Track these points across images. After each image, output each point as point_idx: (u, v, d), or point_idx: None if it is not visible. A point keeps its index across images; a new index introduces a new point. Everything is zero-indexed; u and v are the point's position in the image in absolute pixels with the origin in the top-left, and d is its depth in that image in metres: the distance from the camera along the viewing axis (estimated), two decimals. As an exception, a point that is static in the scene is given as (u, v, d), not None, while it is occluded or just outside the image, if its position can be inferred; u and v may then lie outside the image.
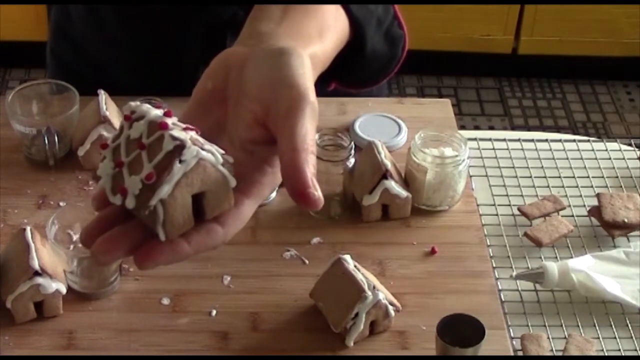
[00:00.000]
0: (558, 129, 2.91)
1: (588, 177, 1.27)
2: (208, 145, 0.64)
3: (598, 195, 1.20)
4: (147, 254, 0.64)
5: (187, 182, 0.62)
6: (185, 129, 0.65)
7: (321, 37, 0.80)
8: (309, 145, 0.65)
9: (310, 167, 0.64)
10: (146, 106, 0.66)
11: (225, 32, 1.20)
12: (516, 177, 1.26)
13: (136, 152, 0.64)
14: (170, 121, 0.64)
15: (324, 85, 0.91)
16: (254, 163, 0.69)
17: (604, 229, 1.18)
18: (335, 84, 0.96)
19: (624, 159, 1.31)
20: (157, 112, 0.65)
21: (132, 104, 0.67)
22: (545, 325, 1.06)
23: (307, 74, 0.69)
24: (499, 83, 3.15)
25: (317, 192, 0.64)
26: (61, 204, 1.13)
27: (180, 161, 0.62)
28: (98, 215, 0.65)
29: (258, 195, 0.69)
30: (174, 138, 0.63)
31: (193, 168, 0.62)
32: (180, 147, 0.62)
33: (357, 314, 0.97)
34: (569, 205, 1.21)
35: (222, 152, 0.65)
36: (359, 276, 0.98)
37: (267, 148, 0.68)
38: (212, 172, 0.64)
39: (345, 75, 0.94)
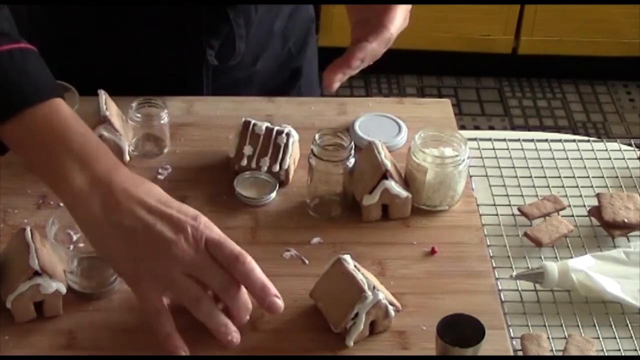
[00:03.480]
0: (558, 129, 2.91)
1: (588, 177, 1.27)
2: None
3: (598, 195, 1.20)
4: None
5: None
6: None
7: None
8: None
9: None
10: None
11: (225, 8, 1.24)
12: (516, 177, 1.26)
13: None
14: None
15: None
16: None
17: (604, 229, 1.18)
18: None
19: (624, 159, 1.31)
20: None
21: None
22: (545, 325, 1.06)
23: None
24: (499, 83, 3.15)
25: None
26: (61, 204, 1.13)
27: None
28: None
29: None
30: None
31: None
32: None
33: (357, 314, 0.97)
34: (569, 205, 1.21)
35: None
36: (359, 276, 0.98)
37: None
38: None
39: None
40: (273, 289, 0.95)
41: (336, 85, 1.11)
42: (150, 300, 0.94)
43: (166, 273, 0.93)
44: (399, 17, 1.13)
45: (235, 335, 0.95)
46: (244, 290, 0.95)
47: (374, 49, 1.11)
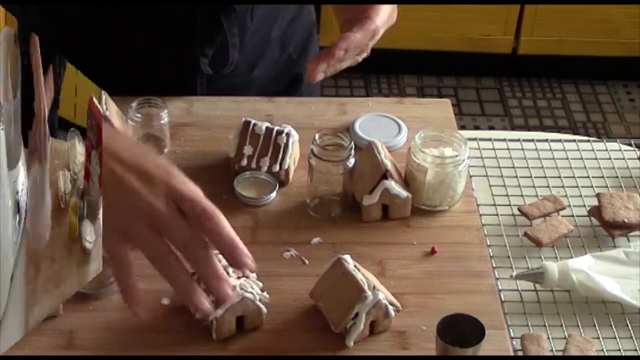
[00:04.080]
0: (558, 129, 2.91)
1: (588, 177, 1.27)
2: (251, 289, 0.97)
3: (598, 195, 1.20)
4: None
5: (233, 309, 0.96)
6: (238, 278, 0.97)
7: None
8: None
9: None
10: None
11: (219, 17, 1.23)
12: (516, 177, 1.26)
13: None
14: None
15: None
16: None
17: (604, 229, 1.18)
18: None
19: (624, 159, 1.31)
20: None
21: None
22: (545, 325, 1.06)
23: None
24: (499, 83, 3.15)
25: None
26: (61, 204, 1.13)
27: None
28: None
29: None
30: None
31: (238, 302, 0.96)
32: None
33: (357, 314, 0.97)
34: (569, 205, 1.21)
35: (263, 293, 0.99)
36: (359, 276, 0.98)
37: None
38: (251, 304, 0.97)
39: None
40: (244, 249, 0.91)
41: (319, 76, 1.12)
42: (115, 252, 0.90)
43: (131, 226, 0.89)
44: (384, 12, 1.14)
45: (203, 302, 0.91)
46: (212, 254, 0.91)
47: (357, 39, 1.11)
